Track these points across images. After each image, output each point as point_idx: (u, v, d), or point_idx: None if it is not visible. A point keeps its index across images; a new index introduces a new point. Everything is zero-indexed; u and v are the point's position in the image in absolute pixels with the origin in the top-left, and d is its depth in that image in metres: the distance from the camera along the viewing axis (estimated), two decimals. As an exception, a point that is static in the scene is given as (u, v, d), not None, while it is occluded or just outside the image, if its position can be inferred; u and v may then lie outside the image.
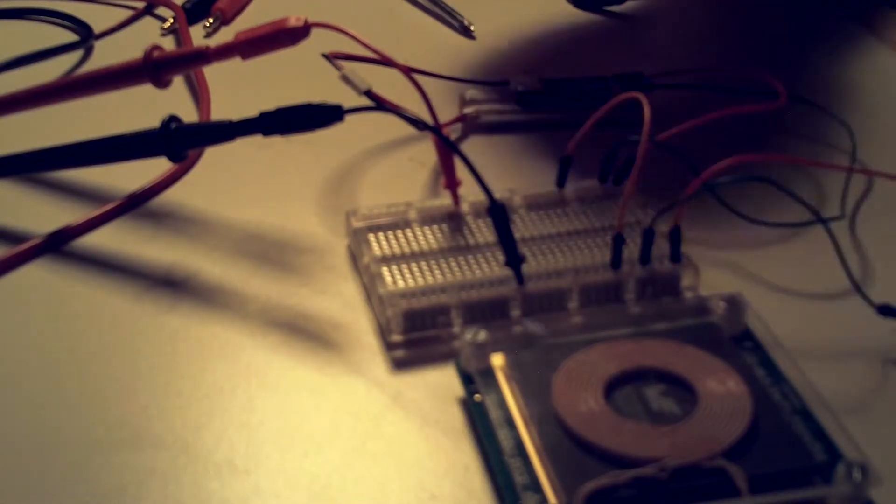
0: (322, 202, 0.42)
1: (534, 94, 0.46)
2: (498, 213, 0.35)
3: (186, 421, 0.32)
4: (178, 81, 0.49)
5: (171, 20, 0.55)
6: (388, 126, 0.41)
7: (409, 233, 0.38)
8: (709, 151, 0.36)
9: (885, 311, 0.34)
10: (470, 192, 0.38)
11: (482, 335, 0.32)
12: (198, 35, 0.54)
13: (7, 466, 0.30)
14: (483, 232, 0.37)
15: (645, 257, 0.36)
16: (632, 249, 0.36)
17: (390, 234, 0.37)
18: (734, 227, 0.38)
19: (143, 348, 0.35)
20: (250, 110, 0.36)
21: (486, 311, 0.35)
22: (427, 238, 0.37)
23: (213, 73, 0.47)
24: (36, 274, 0.38)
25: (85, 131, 0.40)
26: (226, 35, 0.54)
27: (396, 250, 0.37)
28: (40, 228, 0.40)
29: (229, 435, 0.31)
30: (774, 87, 0.44)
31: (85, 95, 0.42)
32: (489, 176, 0.35)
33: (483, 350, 0.32)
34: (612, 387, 0.31)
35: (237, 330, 0.35)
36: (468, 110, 0.46)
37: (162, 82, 0.40)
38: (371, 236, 0.37)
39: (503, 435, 0.30)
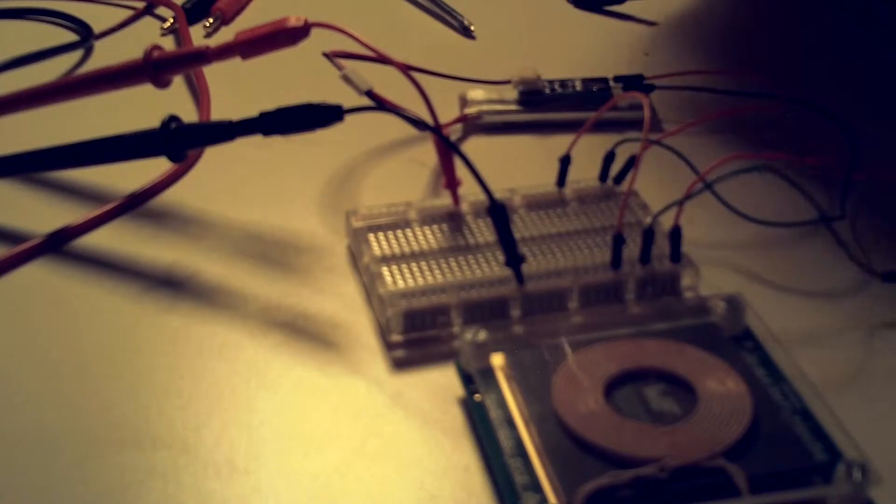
0: (322, 202, 0.42)
1: (535, 94, 0.46)
2: (498, 213, 0.35)
3: (186, 421, 0.32)
4: (178, 81, 0.48)
5: (171, 20, 0.55)
6: (389, 126, 0.41)
7: (409, 233, 0.38)
8: (709, 151, 0.36)
9: (890, 277, 0.34)
10: (470, 192, 0.38)
11: (482, 335, 0.32)
12: (198, 35, 0.54)
13: (7, 466, 0.30)
14: (483, 232, 0.37)
15: (645, 257, 0.36)
16: (632, 249, 0.36)
17: (390, 234, 0.37)
18: (734, 227, 0.38)
19: (143, 348, 0.35)
20: (250, 110, 0.36)
21: (486, 311, 0.35)
22: (427, 238, 0.37)
23: (213, 73, 0.47)
24: (36, 274, 0.38)
25: (85, 131, 0.40)
26: (226, 35, 0.54)
27: (396, 250, 0.37)
28: (40, 228, 0.40)
29: (229, 435, 0.31)
30: (773, 90, 0.44)
31: (85, 95, 0.42)
32: (489, 176, 0.35)
33: (483, 350, 0.32)
34: (612, 387, 0.31)
35: (237, 330, 0.35)
36: (469, 110, 0.46)
37: (162, 82, 0.40)
38: (371, 236, 0.37)
39: (503, 435, 0.30)
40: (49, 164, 0.42)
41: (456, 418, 0.32)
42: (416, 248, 0.37)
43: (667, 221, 0.36)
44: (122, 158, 0.40)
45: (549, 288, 0.35)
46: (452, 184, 0.39)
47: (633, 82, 0.47)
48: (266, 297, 0.37)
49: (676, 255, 0.36)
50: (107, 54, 0.53)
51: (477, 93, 0.47)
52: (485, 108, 0.46)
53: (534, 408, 0.30)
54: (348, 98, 0.37)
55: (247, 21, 0.56)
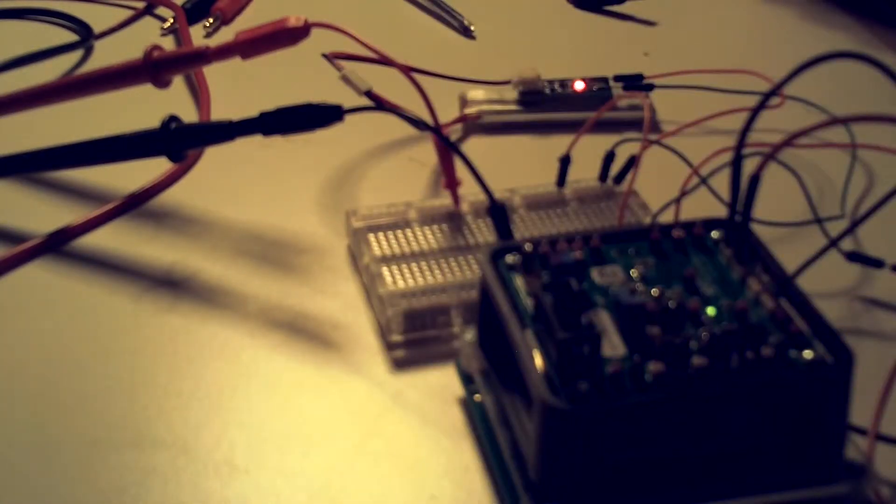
0: (322, 202, 0.42)
1: (534, 94, 0.46)
2: (498, 213, 0.35)
3: (186, 421, 0.32)
4: (178, 81, 0.49)
5: (171, 20, 0.55)
6: (388, 126, 0.41)
7: (409, 233, 0.38)
8: (708, 151, 0.36)
9: (854, 257, 0.36)
10: (470, 192, 0.38)
11: (482, 335, 0.32)
12: (198, 35, 0.54)
13: (7, 466, 0.30)
14: (483, 232, 0.37)
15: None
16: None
17: (390, 234, 0.37)
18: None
19: (143, 348, 0.35)
20: (250, 110, 0.36)
21: (486, 311, 0.35)
22: (427, 238, 0.37)
23: (213, 73, 0.47)
24: (36, 274, 0.38)
25: (85, 131, 0.40)
26: (226, 35, 0.54)
27: (396, 250, 0.37)
28: (40, 228, 0.40)
29: (229, 435, 0.31)
30: (772, 88, 0.44)
31: (85, 95, 0.42)
32: (489, 176, 0.35)
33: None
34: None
35: (237, 330, 0.35)
36: (469, 111, 0.46)
37: (162, 82, 0.40)
38: (371, 236, 0.37)
39: (503, 435, 0.30)
40: (49, 164, 0.42)
41: (456, 418, 0.32)
42: (416, 248, 0.37)
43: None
44: (122, 158, 0.40)
45: (549, 288, 0.35)
46: (452, 184, 0.39)
47: (633, 82, 0.47)
48: (266, 297, 0.37)
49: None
50: (107, 54, 0.53)
51: (477, 93, 0.47)
52: (485, 108, 0.46)
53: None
54: (348, 98, 0.37)
55: (247, 21, 0.56)
